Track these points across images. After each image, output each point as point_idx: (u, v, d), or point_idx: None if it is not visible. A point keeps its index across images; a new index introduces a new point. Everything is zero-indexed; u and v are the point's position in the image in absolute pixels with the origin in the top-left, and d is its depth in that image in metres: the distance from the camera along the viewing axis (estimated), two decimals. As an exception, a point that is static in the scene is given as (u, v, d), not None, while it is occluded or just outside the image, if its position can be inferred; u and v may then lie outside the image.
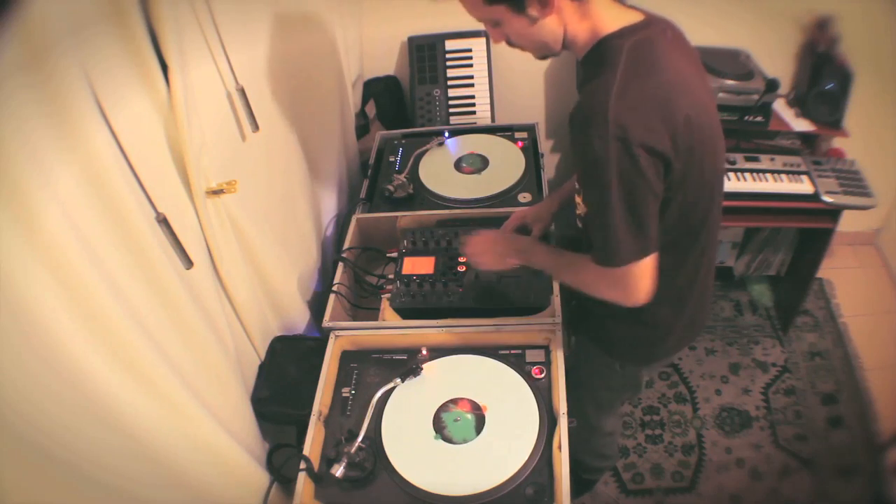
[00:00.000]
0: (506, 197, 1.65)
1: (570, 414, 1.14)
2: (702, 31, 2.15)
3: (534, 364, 1.27)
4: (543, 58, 1.10)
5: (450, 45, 2.11)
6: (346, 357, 1.32)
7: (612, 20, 0.99)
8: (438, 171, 1.74)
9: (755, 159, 2.02)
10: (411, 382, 1.24)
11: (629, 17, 1.00)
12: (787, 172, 1.98)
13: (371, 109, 2.15)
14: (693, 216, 1.08)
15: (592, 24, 1.00)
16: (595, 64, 0.99)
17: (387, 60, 2.21)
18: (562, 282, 1.18)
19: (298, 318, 1.48)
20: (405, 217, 1.60)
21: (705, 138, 1.01)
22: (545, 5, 0.96)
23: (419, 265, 1.45)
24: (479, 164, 1.76)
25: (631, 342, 1.32)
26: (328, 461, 1.13)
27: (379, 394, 1.20)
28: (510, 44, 1.07)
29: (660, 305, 1.09)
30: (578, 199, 1.13)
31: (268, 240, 1.29)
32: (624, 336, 1.31)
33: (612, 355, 1.35)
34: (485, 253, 1.28)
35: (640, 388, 1.49)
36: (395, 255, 1.53)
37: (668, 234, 1.05)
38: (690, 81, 1.01)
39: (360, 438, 1.13)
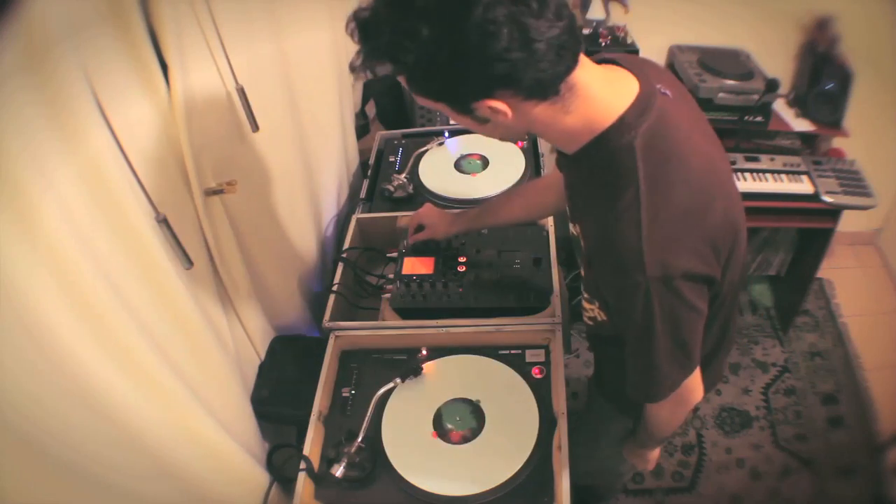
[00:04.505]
0: (506, 197, 1.65)
1: (583, 455, 1.17)
2: (702, 31, 2.16)
3: (533, 364, 1.27)
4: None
5: (450, 44, 2.11)
6: (346, 357, 1.32)
7: (605, 104, 0.79)
8: (438, 171, 1.74)
9: (755, 159, 2.02)
10: (411, 382, 1.24)
11: (620, 91, 0.80)
12: (787, 172, 1.98)
13: (371, 109, 2.15)
14: (727, 300, 0.98)
15: (581, 116, 0.79)
16: (604, 174, 0.81)
17: (387, 60, 2.21)
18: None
19: (298, 318, 1.48)
20: (405, 217, 1.60)
21: (738, 221, 0.89)
22: (496, 112, 0.76)
23: (419, 265, 1.45)
24: (479, 164, 1.76)
25: None
26: (328, 461, 1.13)
27: (379, 394, 1.20)
28: None
29: None
30: (590, 306, 1.01)
31: (268, 240, 1.29)
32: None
33: (629, 415, 1.29)
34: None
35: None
36: (395, 255, 1.52)
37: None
38: (713, 158, 0.86)
39: (359, 438, 1.13)
